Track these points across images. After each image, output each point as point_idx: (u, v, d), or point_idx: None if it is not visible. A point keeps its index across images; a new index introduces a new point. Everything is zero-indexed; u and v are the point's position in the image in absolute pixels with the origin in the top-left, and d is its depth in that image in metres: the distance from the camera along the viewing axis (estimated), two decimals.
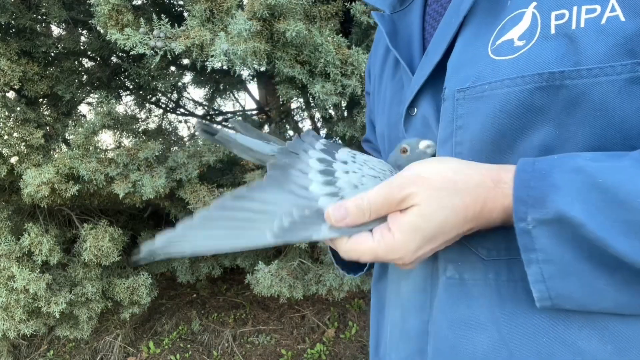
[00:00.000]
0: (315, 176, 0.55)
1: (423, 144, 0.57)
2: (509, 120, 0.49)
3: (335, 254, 0.78)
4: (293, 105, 3.29)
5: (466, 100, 0.51)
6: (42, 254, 2.33)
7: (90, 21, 2.06)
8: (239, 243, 0.49)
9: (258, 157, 0.64)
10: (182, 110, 3.73)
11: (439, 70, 0.56)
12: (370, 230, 0.50)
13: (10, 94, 2.50)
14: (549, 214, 0.41)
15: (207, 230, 0.48)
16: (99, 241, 2.44)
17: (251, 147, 0.63)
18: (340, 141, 2.43)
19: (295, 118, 3.36)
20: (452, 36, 0.55)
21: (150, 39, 1.66)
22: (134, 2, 2.24)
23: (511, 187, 0.45)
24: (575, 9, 0.46)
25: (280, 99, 3.00)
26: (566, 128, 0.46)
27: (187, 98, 3.73)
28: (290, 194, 0.52)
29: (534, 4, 0.49)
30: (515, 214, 0.43)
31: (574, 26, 0.46)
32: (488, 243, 0.52)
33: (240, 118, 3.64)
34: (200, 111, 3.87)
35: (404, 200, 0.47)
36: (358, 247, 0.49)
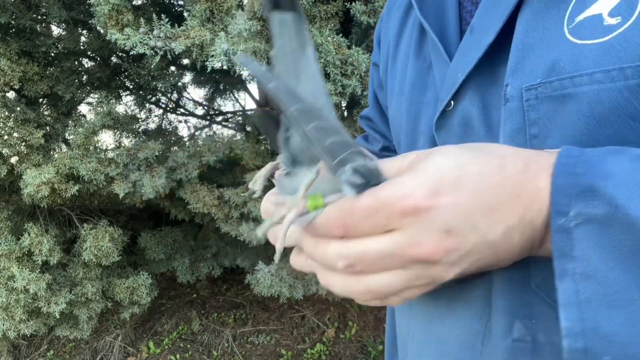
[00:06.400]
0: None
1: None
2: (601, 130, 0.35)
3: None
4: None
5: (540, 100, 0.38)
6: (42, 254, 2.33)
7: (90, 21, 2.06)
8: None
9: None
10: (182, 110, 3.73)
11: (488, 54, 0.42)
12: None
13: (10, 94, 2.50)
14: (599, 207, 0.29)
15: None
16: (99, 241, 2.44)
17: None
18: None
19: None
20: (511, 8, 0.40)
21: (150, 39, 1.66)
22: (134, 2, 2.24)
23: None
24: None
25: None
26: None
27: (187, 98, 3.74)
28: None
29: None
30: (553, 206, 0.31)
31: None
32: None
33: (240, 119, 3.64)
34: (200, 111, 3.87)
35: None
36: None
